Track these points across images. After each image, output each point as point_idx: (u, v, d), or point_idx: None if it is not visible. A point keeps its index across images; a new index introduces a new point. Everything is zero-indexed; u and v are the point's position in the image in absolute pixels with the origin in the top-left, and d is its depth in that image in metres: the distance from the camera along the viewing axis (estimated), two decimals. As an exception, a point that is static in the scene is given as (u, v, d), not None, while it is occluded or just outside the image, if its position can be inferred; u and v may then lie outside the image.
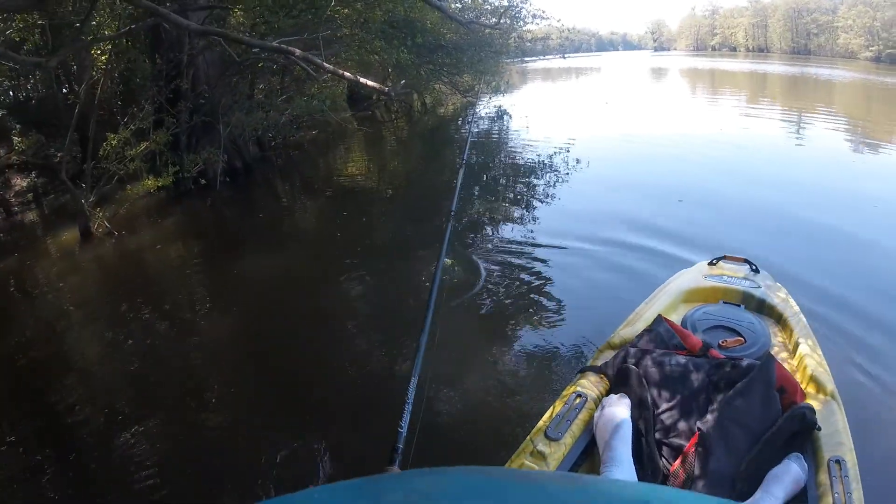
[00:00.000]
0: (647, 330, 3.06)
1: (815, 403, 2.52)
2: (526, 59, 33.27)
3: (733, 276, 3.80)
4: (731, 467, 2.27)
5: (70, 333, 5.81)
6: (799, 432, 2.33)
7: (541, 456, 2.34)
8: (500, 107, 21.57)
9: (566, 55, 42.39)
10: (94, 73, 9.78)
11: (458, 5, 16.31)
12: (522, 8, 17.27)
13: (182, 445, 3.91)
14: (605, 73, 51.72)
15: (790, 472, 2.18)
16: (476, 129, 17.54)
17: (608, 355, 3.03)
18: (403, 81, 5.43)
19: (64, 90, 11.39)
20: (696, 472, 2.28)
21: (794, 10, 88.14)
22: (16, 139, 11.50)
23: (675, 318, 3.34)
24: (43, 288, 6.94)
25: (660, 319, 3.11)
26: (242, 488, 3.46)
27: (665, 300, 3.60)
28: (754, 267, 3.90)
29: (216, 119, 10.40)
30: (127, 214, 9.19)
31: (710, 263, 4.02)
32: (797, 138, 14.82)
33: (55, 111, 10.62)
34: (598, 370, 2.90)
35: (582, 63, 73.00)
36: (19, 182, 11.67)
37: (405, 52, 11.26)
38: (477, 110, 20.56)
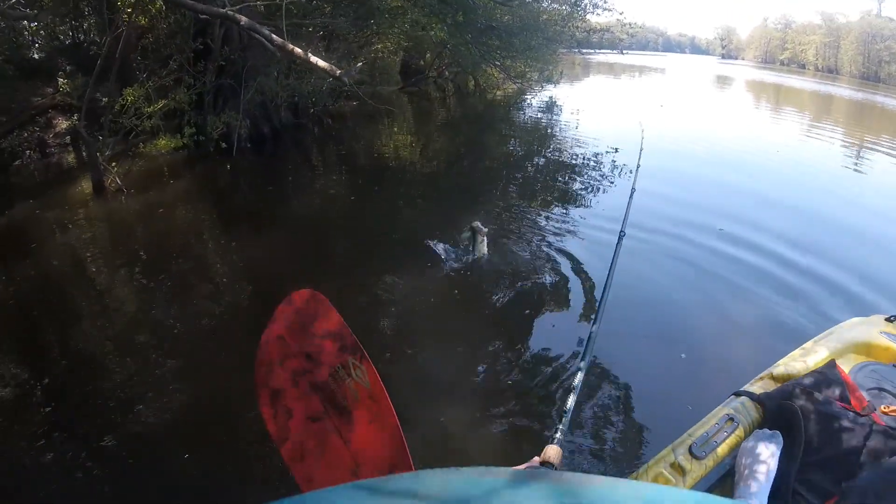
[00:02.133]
0: (818, 372, 2.84)
1: None
2: (583, 50, 32.62)
3: None
4: None
5: (57, 291, 5.52)
6: None
7: (681, 470, 2.29)
8: (552, 97, 21.24)
9: (624, 51, 41.78)
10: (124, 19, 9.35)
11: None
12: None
13: (176, 427, 3.70)
14: (668, 75, 50.89)
15: None
16: (524, 118, 17.14)
17: (768, 385, 2.90)
18: (360, 64, 4.91)
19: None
20: None
21: (868, 35, 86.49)
22: (61, 80, 11.23)
23: (843, 367, 3.03)
24: (44, 241, 6.59)
25: (833, 365, 2.88)
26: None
27: (836, 345, 3.32)
28: None
29: (239, 82, 9.91)
30: (141, 172, 8.83)
31: (888, 319, 3.66)
32: (857, 166, 14.23)
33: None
34: (756, 398, 2.74)
35: (646, 61, 72.41)
36: (61, 123, 11.45)
37: (443, 30, 10.83)
38: (529, 99, 20.23)
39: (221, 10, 5.64)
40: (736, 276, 6.23)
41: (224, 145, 9.63)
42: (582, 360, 2.04)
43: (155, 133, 9.08)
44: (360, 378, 1.77)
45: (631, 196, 3.79)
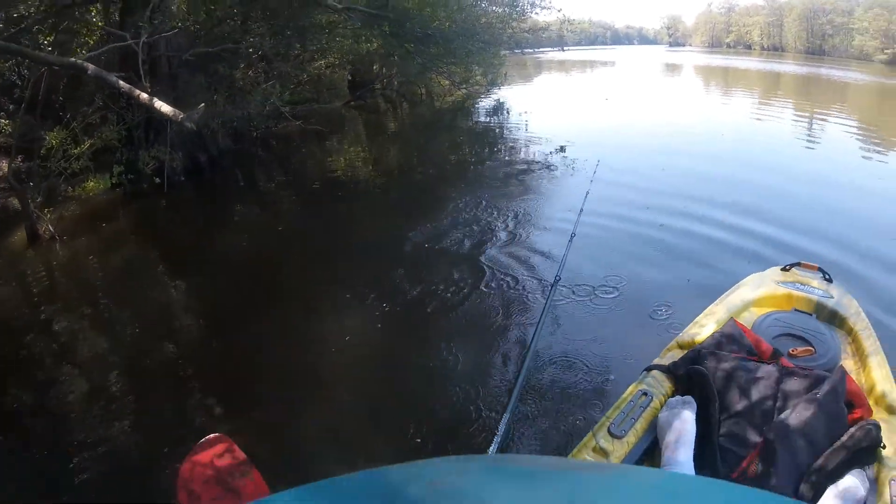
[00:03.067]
0: (719, 332, 3.01)
1: (881, 420, 2.48)
2: (528, 50, 32.85)
3: (806, 283, 3.77)
4: (794, 478, 2.23)
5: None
6: (863, 448, 2.26)
7: (603, 452, 2.34)
8: (501, 100, 21.45)
9: (570, 47, 42.21)
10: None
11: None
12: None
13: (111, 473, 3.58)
14: (617, 68, 51.33)
15: (851, 487, 2.12)
16: (474, 122, 17.29)
17: (676, 354, 3.02)
18: (202, 105, 4.71)
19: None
20: (758, 480, 2.22)
21: (811, 11, 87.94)
22: (2, 121, 10.88)
23: (745, 321, 3.30)
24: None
25: (732, 323, 3.05)
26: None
27: (736, 303, 3.59)
28: (827, 276, 3.88)
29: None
30: (76, 217, 8.45)
31: (784, 269, 4.00)
32: (820, 138, 15.10)
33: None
34: (665, 369, 2.85)
35: (596, 56, 73.10)
36: (3, 166, 11.10)
37: (376, 41, 10.68)
38: (477, 103, 20.46)
39: (69, 60, 5.44)
40: (664, 253, 6.54)
41: (158, 180, 9.22)
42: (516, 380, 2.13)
43: (85, 174, 8.73)
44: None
45: (571, 240, 3.89)
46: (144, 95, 4.52)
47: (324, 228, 7.87)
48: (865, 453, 2.26)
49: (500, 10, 18.04)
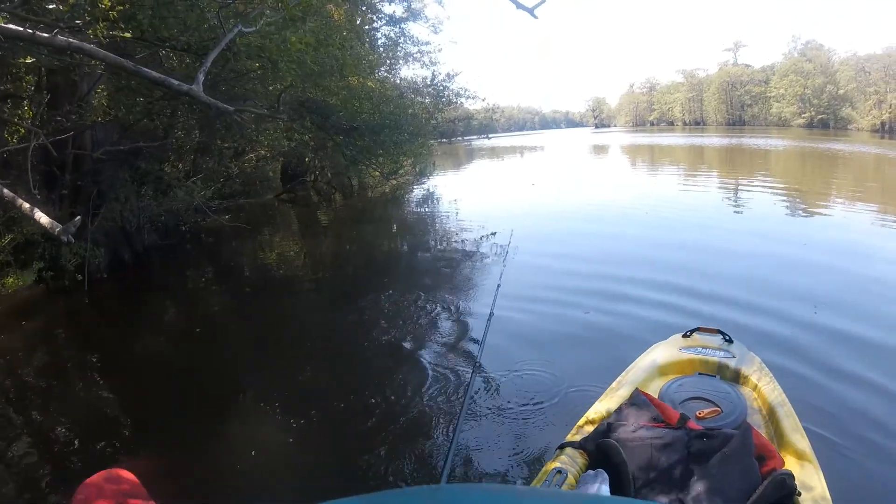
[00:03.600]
0: (626, 403, 3.06)
1: (793, 469, 2.54)
2: (455, 139, 33.38)
3: (708, 346, 3.83)
4: None
5: None
6: (779, 499, 2.31)
7: None
8: (430, 189, 21.89)
9: (494, 135, 43.20)
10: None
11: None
12: (446, 87, 17.03)
13: None
14: (546, 152, 52.31)
15: None
16: (406, 212, 17.22)
17: (587, 430, 3.03)
18: (78, 218, 4.57)
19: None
20: None
21: (728, 83, 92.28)
22: None
23: (652, 390, 3.35)
24: None
25: (637, 393, 3.11)
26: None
27: (641, 373, 3.63)
28: (727, 337, 3.93)
29: (88, 209, 9.28)
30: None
31: (685, 336, 4.03)
32: (734, 207, 15.63)
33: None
34: (576, 445, 2.87)
35: (525, 141, 74.64)
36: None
37: (302, 134, 10.71)
38: (409, 193, 20.58)
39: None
40: (579, 329, 6.66)
41: (80, 277, 8.87)
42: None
43: (6, 270, 8.54)
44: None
45: (489, 319, 3.75)
46: (26, 205, 4.33)
47: (246, 327, 7.79)
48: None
49: (426, 101, 18.35)
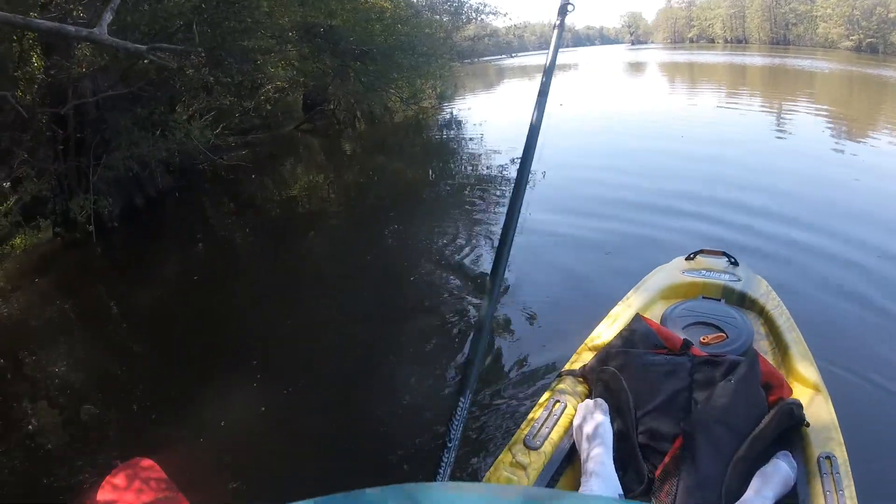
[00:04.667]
0: (626, 330, 2.95)
1: (802, 398, 2.49)
2: (473, 59, 32.73)
3: (712, 269, 3.76)
4: (718, 468, 2.14)
5: None
6: (787, 429, 2.28)
7: (520, 466, 2.27)
8: (456, 113, 21.27)
9: (515, 54, 42.74)
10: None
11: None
12: (465, 2, 16.34)
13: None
14: (579, 70, 50.90)
15: (779, 470, 2.09)
16: (429, 137, 17.50)
17: (587, 357, 2.97)
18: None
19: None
20: (682, 474, 2.15)
21: (772, 0, 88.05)
22: None
23: (654, 315, 3.29)
24: None
25: (638, 318, 3.02)
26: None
27: (643, 298, 3.54)
28: (733, 259, 3.84)
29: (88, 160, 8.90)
30: (7, 273, 7.93)
31: (688, 258, 3.96)
32: (777, 131, 15.06)
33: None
34: (576, 374, 2.84)
35: (558, 59, 73.18)
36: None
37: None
38: (436, 116, 20.41)
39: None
40: (595, 252, 6.66)
41: (91, 228, 8.55)
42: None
43: (16, 229, 8.35)
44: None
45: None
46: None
47: (267, 266, 7.57)
48: (789, 434, 2.30)
49: (444, 20, 17.66)
